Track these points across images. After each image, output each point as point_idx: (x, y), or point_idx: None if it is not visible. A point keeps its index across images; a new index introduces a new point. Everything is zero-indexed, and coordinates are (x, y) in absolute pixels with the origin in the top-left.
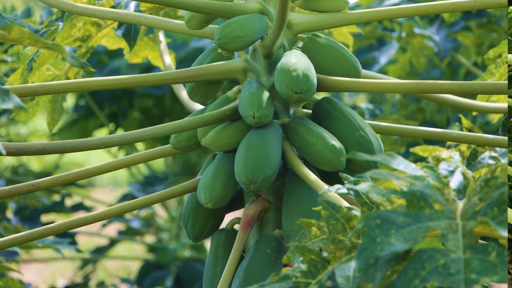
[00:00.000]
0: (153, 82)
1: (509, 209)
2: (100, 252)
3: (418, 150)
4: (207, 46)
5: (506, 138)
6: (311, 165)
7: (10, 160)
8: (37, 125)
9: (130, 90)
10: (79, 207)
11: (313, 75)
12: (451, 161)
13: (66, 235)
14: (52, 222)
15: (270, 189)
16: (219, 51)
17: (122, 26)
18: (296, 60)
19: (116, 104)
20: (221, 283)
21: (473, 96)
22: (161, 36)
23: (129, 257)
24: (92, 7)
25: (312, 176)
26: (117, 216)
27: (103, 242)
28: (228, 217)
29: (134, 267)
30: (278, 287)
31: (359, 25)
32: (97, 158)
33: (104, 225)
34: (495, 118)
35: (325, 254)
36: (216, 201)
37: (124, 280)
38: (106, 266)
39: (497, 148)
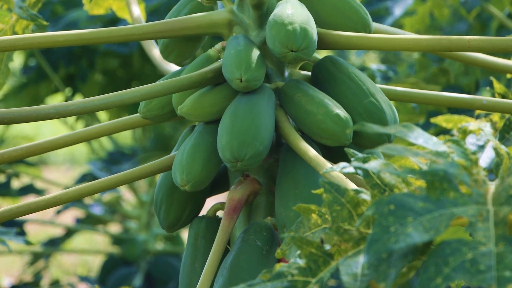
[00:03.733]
0: (119, 38)
1: None
2: (54, 244)
3: (441, 120)
4: None
5: None
6: (311, 139)
7: None
8: None
9: (90, 48)
10: (28, 189)
11: (313, 30)
12: (480, 133)
13: (12, 224)
14: None
15: (261, 168)
16: (199, 0)
17: None
18: (292, 11)
19: (73, 64)
20: (201, 282)
21: (507, 54)
22: None
23: (90, 251)
24: None
25: (311, 152)
26: (74, 200)
27: (57, 232)
28: (210, 202)
29: (95, 263)
30: (270, 286)
31: None
32: (51, 130)
33: (59, 212)
34: None
35: (327, 247)
36: (195, 183)
37: (83, 279)
38: (62, 262)
39: None
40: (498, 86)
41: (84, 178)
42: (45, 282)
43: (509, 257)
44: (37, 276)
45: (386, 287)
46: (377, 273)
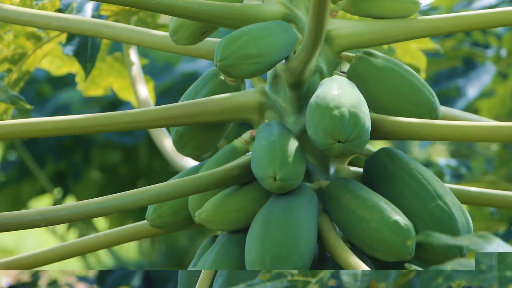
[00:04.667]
0: (122, 126)
1: None
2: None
3: None
4: (203, 70)
5: None
6: (363, 253)
7: None
8: None
9: (85, 139)
10: None
11: (365, 115)
12: None
13: None
14: None
15: None
16: (222, 77)
17: (74, 40)
18: (339, 91)
19: (64, 159)
20: (200, 282)
21: None
22: (133, 55)
23: None
24: (28, 10)
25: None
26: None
27: None
28: None
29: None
30: (270, 286)
31: (436, 38)
32: (36, 241)
33: None
34: None
35: None
36: None
37: (82, 278)
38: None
39: None
40: None
41: None
42: (43, 282)
43: (511, 257)
44: (35, 276)
45: (386, 287)
46: (377, 273)
